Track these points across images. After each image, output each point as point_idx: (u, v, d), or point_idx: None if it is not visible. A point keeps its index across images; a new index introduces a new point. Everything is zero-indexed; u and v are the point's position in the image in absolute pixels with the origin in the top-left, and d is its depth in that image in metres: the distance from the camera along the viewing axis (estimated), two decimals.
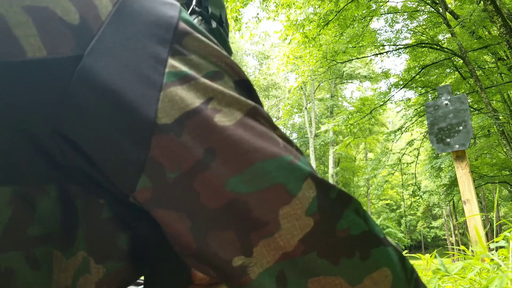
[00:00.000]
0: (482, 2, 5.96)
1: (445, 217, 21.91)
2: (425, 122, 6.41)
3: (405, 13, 9.47)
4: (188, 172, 0.25)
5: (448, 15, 8.04)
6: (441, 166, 10.79)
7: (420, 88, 9.94)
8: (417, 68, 9.30)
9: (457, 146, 2.80)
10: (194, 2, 0.46)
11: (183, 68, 0.27)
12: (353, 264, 0.26)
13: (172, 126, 0.25)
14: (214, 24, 0.48)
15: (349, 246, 0.26)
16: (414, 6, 9.49)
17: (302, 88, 19.46)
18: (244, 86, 0.30)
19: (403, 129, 10.08)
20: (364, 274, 0.26)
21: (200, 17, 0.48)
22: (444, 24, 8.28)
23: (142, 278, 0.38)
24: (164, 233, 0.28)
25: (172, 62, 0.27)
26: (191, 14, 0.48)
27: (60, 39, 0.26)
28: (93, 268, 0.29)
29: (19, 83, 0.25)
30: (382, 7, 8.82)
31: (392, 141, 10.45)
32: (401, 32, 9.93)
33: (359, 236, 0.27)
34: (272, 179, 0.25)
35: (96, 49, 0.26)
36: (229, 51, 0.54)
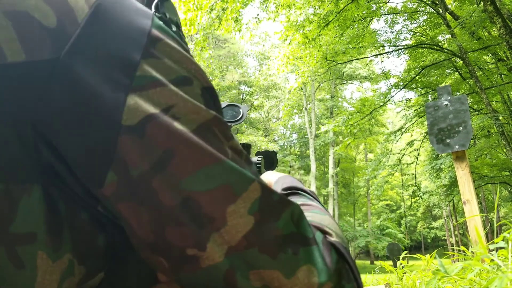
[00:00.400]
0: (482, 3, 5.97)
1: (445, 218, 21.90)
2: (425, 122, 6.41)
3: (405, 14, 9.48)
4: (148, 171, 0.27)
5: (448, 15, 8.05)
6: (441, 167, 10.79)
7: (420, 89, 9.94)
8: (417, 69, 9.30)
9: (457, 146, 2.80)
10: (153, 8, 0.47)
11: (153, 72, 0.29)
12: (288, 258, 0.30)
13: (136, 128, 0.27)
14: (174, 28, 0.50)
15: (283, 243, 0.30)
16: (414, 6, 9.50)
17: (302, 89, 19.46)
18: (210, 93, 0.33)
19: (403, 129, 10.08)
20: (296, 268, 0.30)
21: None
22: (444, 25, 8.29)
23: None
24: (124, 226, 0.30)
25: (143, 65, 0.29)
26: None
27: (38, 42, 0.28)
28: (76, 269, 0.30)
29: (2, 85, 0.27)
30: (382, 8, 8.83)
31: (392, 142, 10.45)
32: (401, 33, 9.94)
33: (289, 235, 0.31)
34: (222, 180, 0.29)
35: (71, 51, 0.28)
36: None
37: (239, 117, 0.65)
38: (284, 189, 0.50)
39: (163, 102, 0.28)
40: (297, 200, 0.45)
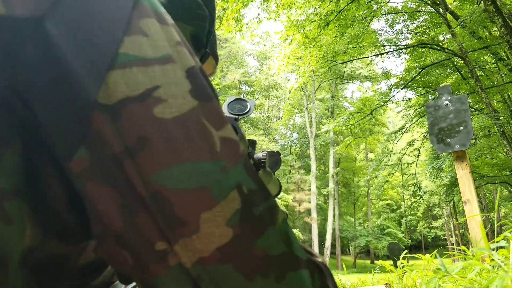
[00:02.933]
0: (482, 3, 5.96)
1: (446, 217, 21.89)
2: (426, 122, 6.41)
3: (406, 14, 9.47)
4: (119, 155, 0.25)
5: (448, 15, 8.04)
6: (442, 166, 10.78)
7: (420, 89, 9.93)
8: (417, 69, 9.30)
9: (457, 146, 2.80)
10: None
11: (137, 50, 0.27)
12: (267, 284, 0.26)
13: (111, 109, 0.25)
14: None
15: (265, 265, 0.26)
16: (414, 6, 9.48)
17: (302, 89, 19.45)
18: (199, 74, 0.29)
19: (403, 129, 10.08)
20: None
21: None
22: (444, 25, 8.28)
23: None
24: (89, 212, 0.27)
25: (127, 41, 0.27)
26: None
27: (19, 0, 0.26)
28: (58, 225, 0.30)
29: None
30: (382, 7, 8.82)
31: (393, 142, 10.45)
32: (402, 33, 9.93)
33: (278, 257, 0.27)
34: (199, 181, 0.25)
35: (54, 12, 0.26)
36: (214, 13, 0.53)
37: (246, 110, 0.63)
38: None
39: (145, 83, 0.26)
40: None
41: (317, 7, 7.80)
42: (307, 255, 0.30)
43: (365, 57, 9.91)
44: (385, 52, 9.68)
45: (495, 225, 1.38)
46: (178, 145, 0.25)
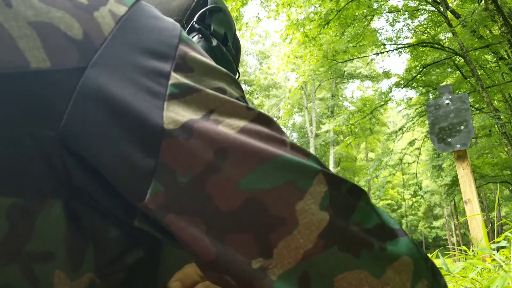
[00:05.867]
0: (483, 1, 5.95)
1: (446, 217, 21.90)
2: (426, 121, 6.39)
3: (406, 12, 9.46)
4: (200, 175, 0.25)
5: (449, 14, 8.03)
6: (442, 166, 10.78)
7: (421, 88, 9.93)
8: (418, 68, 9.29)
9: (458, 145, 2.79)
10: (195, 18, 0.45)
11: (186, 80, 0.28)
12: (374, 255, 0.26)
13: (180, 131, 0.26)
14: (214, 42, 0.47)
15: (365, 238, 0.26)
16: (415, 5, 9.47)
17: (302, 88, 19.45)
18: (241, 100, 0.31)
19: (404, 129, 10.07)
20: (386, 264, 0.25)
21: (199, 35, 0.47)
22: (445, 23, 8.27)
23: None
24: (181, 244, 0.27)
25: (175, 75, 0.28)
26: (190, 31, 0.48)
27: (64, 51, 0.27)
28: (99, 286, 0.29)
29: (23, 93, 0.26)
30: (383, 6, 8.81)
31: (393, 141, 10.44)
32: (402, 31, 9.92)
33: (373, 229, 0.27)
34: (284, 175, 0.26)
35: (99, 62, 0.27)
36: (234, 72, 0.53)
37: None
38: None
39: (202, 107, 0.27)
40: None
41: (317, 5, 7.79)
42: (399, 225, 0.29)
43: (365, 56, 9.90)
44: (385, 51, 9.66)
45: (496, 224, 1.37)
46: (254, 149, 0.26)
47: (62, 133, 0.26)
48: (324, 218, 0.25)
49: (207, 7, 0.47)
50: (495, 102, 9.55)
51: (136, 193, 0.26)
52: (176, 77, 0.28)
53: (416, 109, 9.97)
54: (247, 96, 24.20)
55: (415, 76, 9.20)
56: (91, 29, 0.28)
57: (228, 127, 0.27)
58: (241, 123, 0.27)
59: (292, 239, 0.25)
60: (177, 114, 0.26)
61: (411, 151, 10.85)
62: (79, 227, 0.27)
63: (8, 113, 0.25)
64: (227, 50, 0.51)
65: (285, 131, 0.30)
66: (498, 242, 1.17)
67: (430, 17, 9.53)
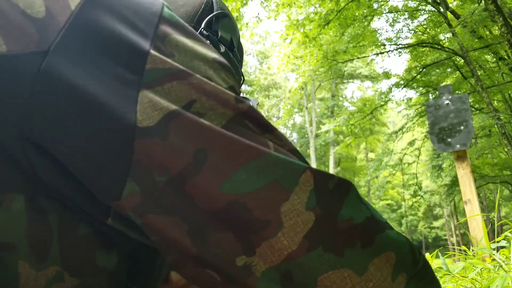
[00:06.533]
0: (483, 2, 5.95)
1: (446, 217, 21.87)
2: (426, 122, 6.39)
3: (406, 13, 9.46)
4: (178, 176, 0.23)
5: (449, 14, 8.02)
6: (442, 166, 10.77)
7: (421, 88, 9.92)
8: (418, 68, 9.28)
9: (458, 146, 2.79)
10: (203, 25, 0.45)
11: (165, 66, 0.25)
12: (356, 253, 0.25)
13: (156, 129, 0.23)
14: (222, 49, 0.47)
15: (351, 235, 0.25)
16: (415, 5, 9.47)
17: (302, 88, 19.44)
18: (233, 90, 0.29)
19: (404, 129, 10.07)
20: (367, 262, 0.25)
21: (208, 41, 0.47)
22: (445, 24, 8.27)
23: None
24: (156, 243, 0.25)
25: (153, 57, 0.25)
26: None
27: (22, 33, 0.23)
28: (67, 279, 0.27)
29: None
30: (383, 6, 8.81)
31: (393, 141, 10.44)
32: (402, 32, 9.92)
33: (363, 223, 0.26)
34: (268, 176, 0.24)
35: (62, 44, 0.23)
36: (239, 77, 0.52)
37: None
38: None
39: (183, 97, 0.24)
40: None
41: (317, 6, 7.78)
42: (385, 218, 0.29)
43: (365, 56, 9.89)
44: (385, 51, 9.66)
45: (496, 224, 1.37)
46: (238, 147, 0.24)
47: (22, 126, 0.23)
48: (310, 219, 0.24)
49: (213, 14, 0.46)
50: (495, 102, 9.54)
51: (109, 192, 0.24)
52: (154, 61, 0.25)
53: (416, 109, 9.97)
54: (247, 96, 24.09)
55: (415, 77, 9.19)
56: (55, 3, 0.25)
57: (211, 121, 0.25)
58: (226, 117, 0.25)
59: (276, 241, 0.24)
60: (153, 108, 0.23)
61: (411, 151, 10.85)
62: (43, 223, 0.25)
63: None
64: (233, 55, 0.51)
65: (277, 128, 0.28)
66: (498, 242, 1.18)
67: (430, 18, 9.52)
